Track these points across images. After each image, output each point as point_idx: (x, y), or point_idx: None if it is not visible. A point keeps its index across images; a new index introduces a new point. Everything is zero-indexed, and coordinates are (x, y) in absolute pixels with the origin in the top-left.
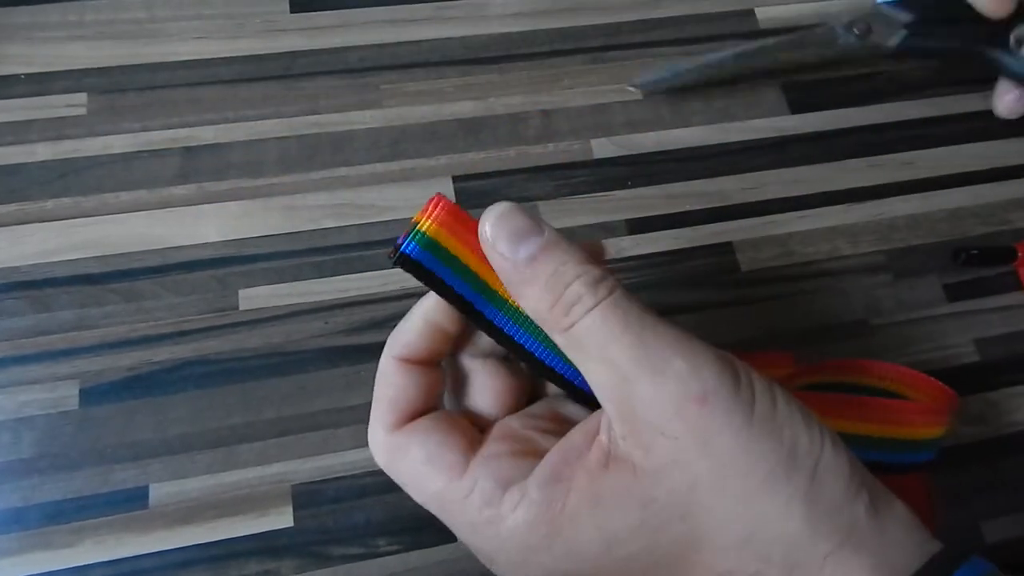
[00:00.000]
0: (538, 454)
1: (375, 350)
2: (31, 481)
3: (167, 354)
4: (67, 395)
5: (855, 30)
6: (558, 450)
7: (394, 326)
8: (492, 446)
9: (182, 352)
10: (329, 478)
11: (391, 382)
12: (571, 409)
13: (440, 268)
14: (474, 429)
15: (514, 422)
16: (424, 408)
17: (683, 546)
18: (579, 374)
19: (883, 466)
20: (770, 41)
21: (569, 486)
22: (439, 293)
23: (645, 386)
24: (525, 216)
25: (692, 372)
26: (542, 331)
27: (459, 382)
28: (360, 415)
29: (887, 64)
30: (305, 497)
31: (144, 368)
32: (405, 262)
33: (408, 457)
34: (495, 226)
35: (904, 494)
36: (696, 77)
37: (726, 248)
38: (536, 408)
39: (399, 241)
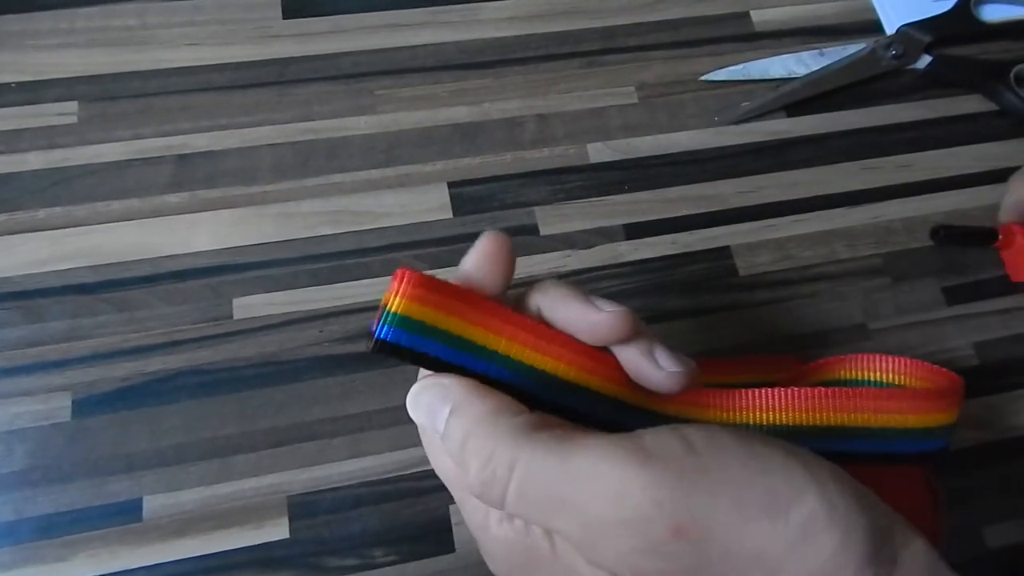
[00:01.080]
0: None
1: (371, 359)
2: (23, 494)
3: (160, 364)
4: (59, 406)
5: (893, 51)
6: None
7: None
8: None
9: (175, 362)
10: (325, 488)
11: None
12: None
13: (420, 342)
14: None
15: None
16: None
17: None
18: (583, 406)
19: (893, 456)
20: (832, 67)
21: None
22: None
23: (608, 550)
24: (433, 388)
25: (648, 512)
26: (536, 371)
27: None
28: (356, 425)
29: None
30: (301, 508)
31: (137, 379)
32: (383, 348)
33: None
34: (413, 406)
35: (908, 499)
36: (771, 103)
37: (724, 252)
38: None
39: (372, 328)
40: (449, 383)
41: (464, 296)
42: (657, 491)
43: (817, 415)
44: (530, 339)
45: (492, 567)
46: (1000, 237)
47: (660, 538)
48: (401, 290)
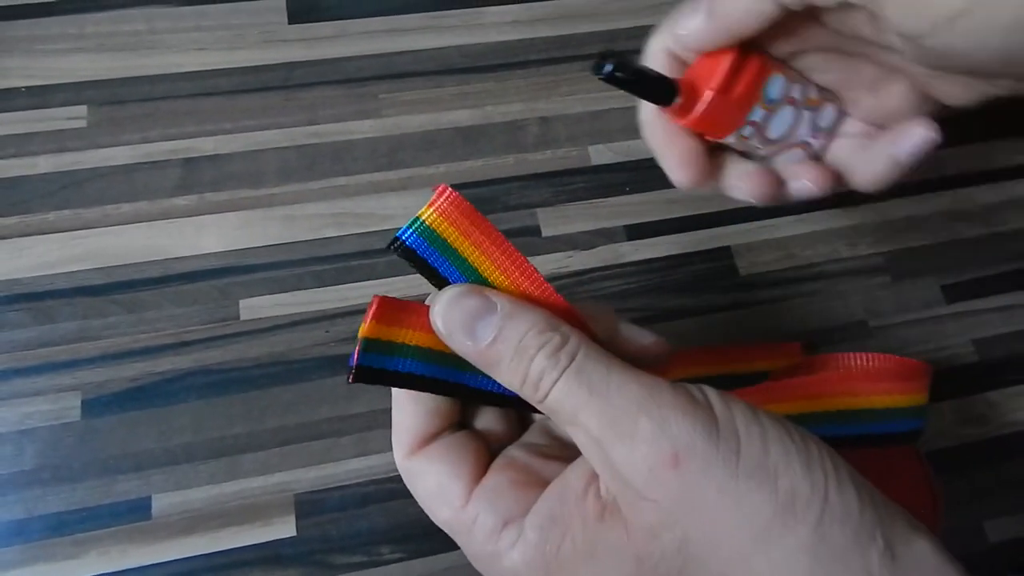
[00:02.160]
0: (539, 483)
1: None
2: (33, 493)
3: (169, 364)
4: (69, 406)
5: None
6: (554, 490)
7: None
8: (494, 476)
9: (184, 362)
10: (332, 487)
11: (403, 408)
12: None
13: (436, 257)
14: (485, 451)
15: (515, 451)
16: (440, 428)
17: None
18: None
19: (873, 439)
20: None
21: (564, 531)
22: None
23: (618, 452)
24: (473, 297)
25: (660, 431)
26: None
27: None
28: (362, 423)
29: None
30: (308, 506)
31: (146, 379)
32: (399, 248)
33: (421, 484)
34: (445, 317)
35: (902, 479)
36: None
37: (725, 252)
38: (532, 435)
39: (401, 230)
40: (490, 292)
41: (491, 235)
42: (689, 423)
43: (794, 403)
44: (535, 291)
45: None
46: (680, 99)
47: (660, 460)
48: (438, 205)
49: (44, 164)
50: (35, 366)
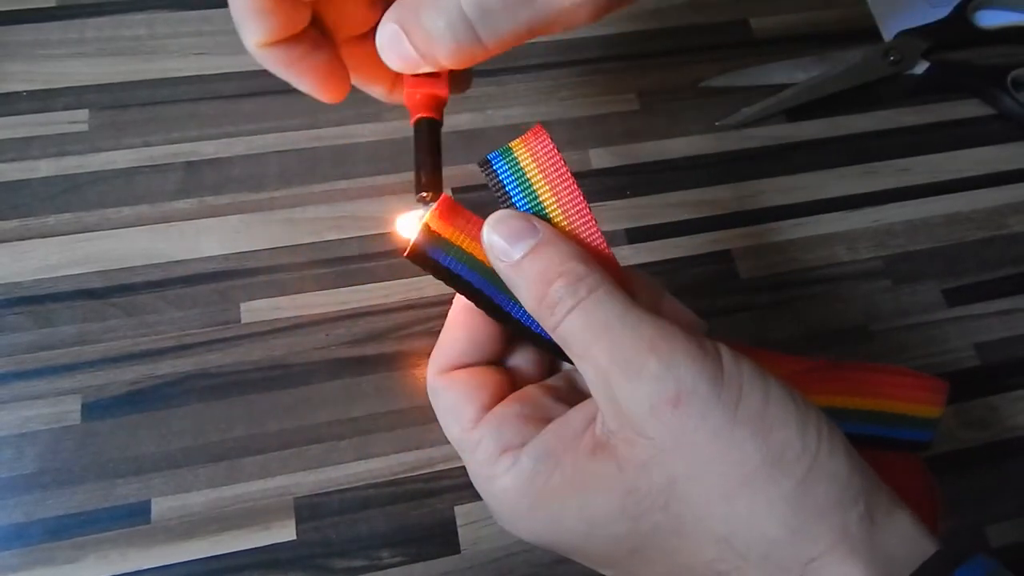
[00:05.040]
0: (544, 420)
1: (377, 362)
2: (33, 496)
3: (169, 368)
4: (69, 410)
5: (891, 56)
6: (556, 427)
7: (395, 338)
8: (504, 407)
9: (184, 366)
10: (332, 490)
11: (450, 332)
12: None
13: (513, 187)
14: (507, 385)
15: (532, 389)
16: (474, 361)
17: (666, 533)
18: None
19: (878, 441)
20: (832, 73)
21: (556, 464)
22: (446, 281)
23: (623, 387)
24: (521, 219)
25: (667, 371)
26: None
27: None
28: (362, 427)
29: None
30: (308, 510)
31: (146, 382)
32: (487, 171)
33: (441, 401)
34: (492, 229)
35: (902, 478)
36: (771, 108)
37: (725, 256)
38: (555, 379)
39: (492, 154)
40: (538, 221)
41: (566, 181)
42: (696, 368)
43: (819, 397)
44: (588, 237)
45: (499, 518)
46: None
47: (663, 398)
48: (526, 140)
49: (45, 168)
50: (35, 369)
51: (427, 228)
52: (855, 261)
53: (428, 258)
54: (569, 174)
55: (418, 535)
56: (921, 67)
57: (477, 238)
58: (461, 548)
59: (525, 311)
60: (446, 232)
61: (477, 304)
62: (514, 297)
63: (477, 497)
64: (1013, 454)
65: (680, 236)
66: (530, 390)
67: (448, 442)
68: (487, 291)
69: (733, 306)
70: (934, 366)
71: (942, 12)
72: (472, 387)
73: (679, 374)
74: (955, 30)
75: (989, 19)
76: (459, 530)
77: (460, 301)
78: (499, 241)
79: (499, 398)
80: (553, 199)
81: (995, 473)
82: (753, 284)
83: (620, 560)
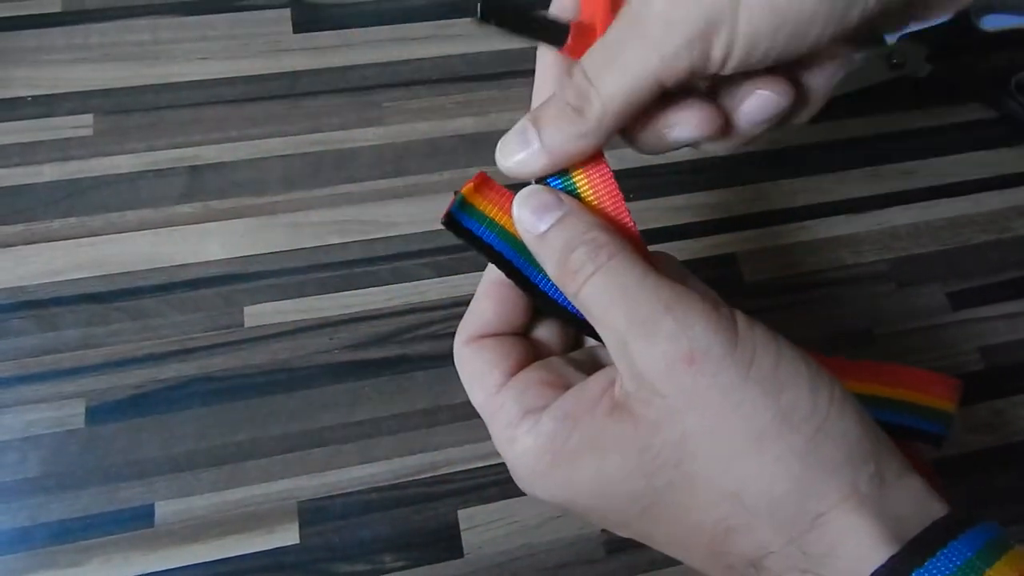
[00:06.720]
0: (565, 387)
1: (380, 365)
2: (37, 500)
3: (173, 372)
4: (73, 413)
5: (894, 60)
6: (576, 392)
7: (398, 341)
8: (527, 374)
9: (188, 369)
10: (335, 494)
11: (481, 302)
12: (606, 354)
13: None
14: (531, 354)
15: (555, 359)
16: (501, 330)
17: (678, 490)
18: None
19: (893, 428)
20: None
21: (575, 425)
22: (479, 250)
23: (640, 346)
24: (549, 194)
25: (682, 331)
26: None
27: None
28: (365, 431)
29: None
30: (311, 514)
31: (150, 386)
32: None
33: (467, 368)
34: (521, 202)
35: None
36: None
37: (729, 259)
38: (578, 353)
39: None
40: (565, 196)
41: (600, 168)
42: (710, 329)
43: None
44: (614, 213)
45: (518, 480)
46: (570, 40)
47: (678, 356)
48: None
49: (49, 172)
50: (39, 373)
51: (463, 199)
52: (859, 264)
53: (462, 227)
54: (603, 158)
55: (421, 539)
56: (924, 70)
57: (508, 211)
58: (464, 552)
59: (551, 283)
60: (480, 204)
61: (507, 275)
62: (541, 269)
63: (480, 501)
64: (1018, 458)
65: (684, 240)
66: (553, 359)
67: (451, 446)
68: (516, 262)
69: (737, 310)
70: (939, 370)
71: (946, 16)
72: (498, 354)
73: (694, 334)
74: (958, 33)
75: (993, 23)
76: (462, 534)
77: (490, 273)
78: (527, 214)
79: (523, 366)
80: (584, 179)
81: (1000, 477)
82: (757, 288)
83: (634, 519)
